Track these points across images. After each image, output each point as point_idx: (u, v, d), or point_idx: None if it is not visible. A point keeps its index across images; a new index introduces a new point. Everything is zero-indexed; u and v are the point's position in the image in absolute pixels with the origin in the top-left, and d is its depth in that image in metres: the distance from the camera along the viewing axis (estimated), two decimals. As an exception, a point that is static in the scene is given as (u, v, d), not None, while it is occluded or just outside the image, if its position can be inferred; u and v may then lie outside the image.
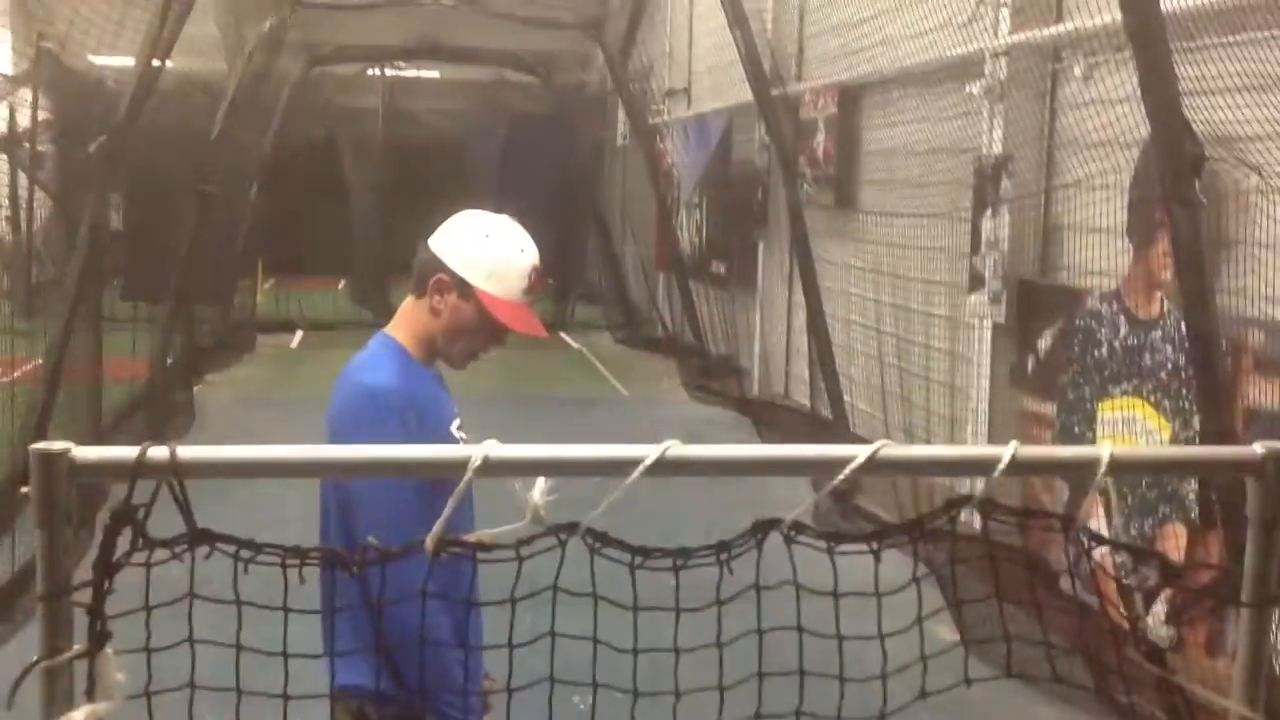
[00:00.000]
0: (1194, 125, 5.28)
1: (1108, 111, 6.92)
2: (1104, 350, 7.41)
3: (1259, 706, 1.78)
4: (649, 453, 1.64)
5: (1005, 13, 8.48)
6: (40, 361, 9.47)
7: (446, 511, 1.64)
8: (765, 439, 11.92)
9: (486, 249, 3.14)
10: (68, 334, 8.80)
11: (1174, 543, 6.43)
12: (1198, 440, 6.07)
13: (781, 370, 13.82)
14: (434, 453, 1.78)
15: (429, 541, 1.67)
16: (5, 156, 17.78)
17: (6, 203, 19.59)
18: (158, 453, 1.55)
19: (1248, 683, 1.78)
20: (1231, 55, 5.47)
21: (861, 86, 11.23)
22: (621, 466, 1.65)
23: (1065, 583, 5.12)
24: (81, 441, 1.59)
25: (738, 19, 11.52)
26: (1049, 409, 8.02)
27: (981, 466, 1.69)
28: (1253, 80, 5.47)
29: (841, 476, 1.70)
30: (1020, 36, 8.28)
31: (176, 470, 1.55)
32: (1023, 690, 6.50)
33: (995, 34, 8.57)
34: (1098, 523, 7.26)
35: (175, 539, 1.59)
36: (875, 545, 1.74)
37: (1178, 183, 5.07)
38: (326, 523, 3.05)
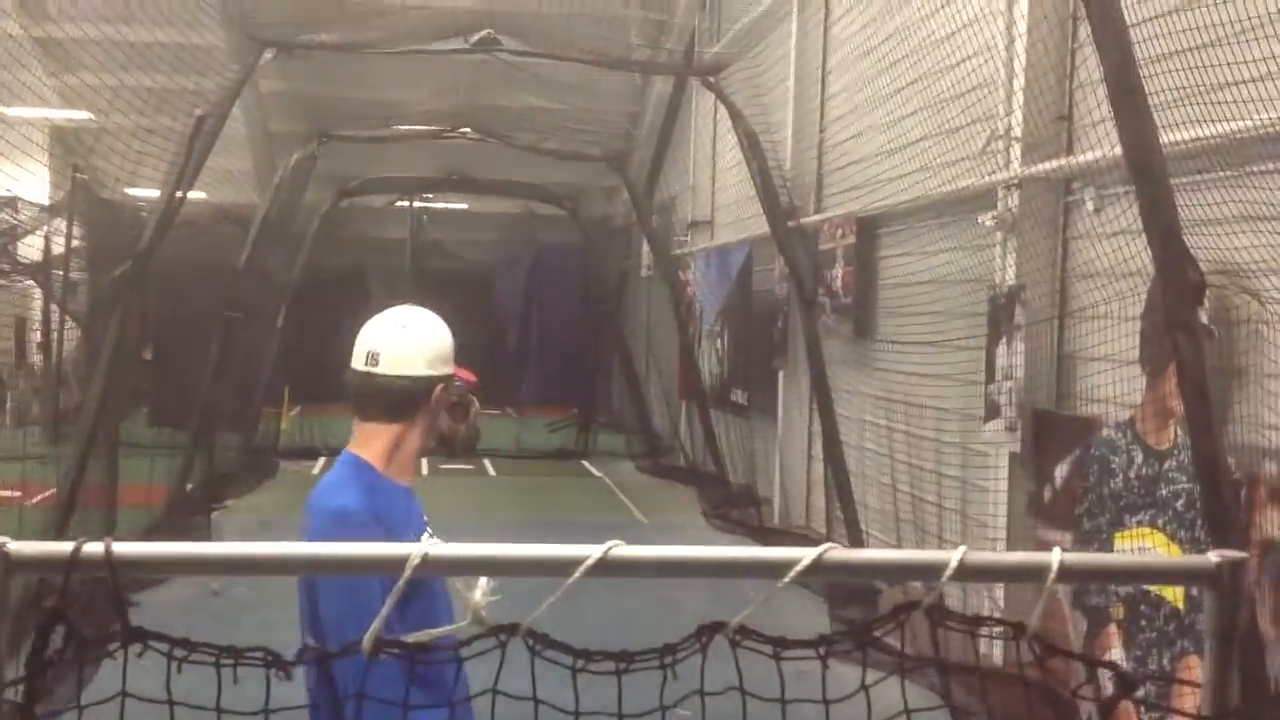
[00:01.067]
0: (1195, 254, 5.30)
1: (1118, 242, 6.96)
2: (1119, 480, 7.34)
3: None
4: (591, 552, 1.62)
5: (1016, 146, 8.58)
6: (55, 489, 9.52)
7: (384, 610, 1.63)
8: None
9: (441, 339, 3.41)
10: (85, 458, 8.84)
11: (1190, 675, 6.29)
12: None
13: (802, 499, 13.74)
14: (373, 551, 1.77)
15: (365, 642, 1.65)
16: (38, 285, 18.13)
17: (39, 330, 19.92)
18: (93, 548, 1.55)
19: (1210, 799, 1.73)
20: (1234, 187, 5.51)
21: (879, 218, 11.34)
22: (564, 566, 1.63)
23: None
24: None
25: (754, 152, 11.69)
26: (1066, 539, 7.92)
27: (929, 571, 1.67)
28: (1254, 210, 5.51)
29: (788, 579, 1.68)
30: (1031, 169, 8.36)
31: (111, 565, 1.55)
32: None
33: (1007, 166, 8.66)
34: (1119, 653, 7.13)
35: (107, 636, 1.58)
36: (822, 651, 1.71)
37: (1180, 309, 5.07)
38: (303, 629, 3.14)
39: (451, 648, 1.70)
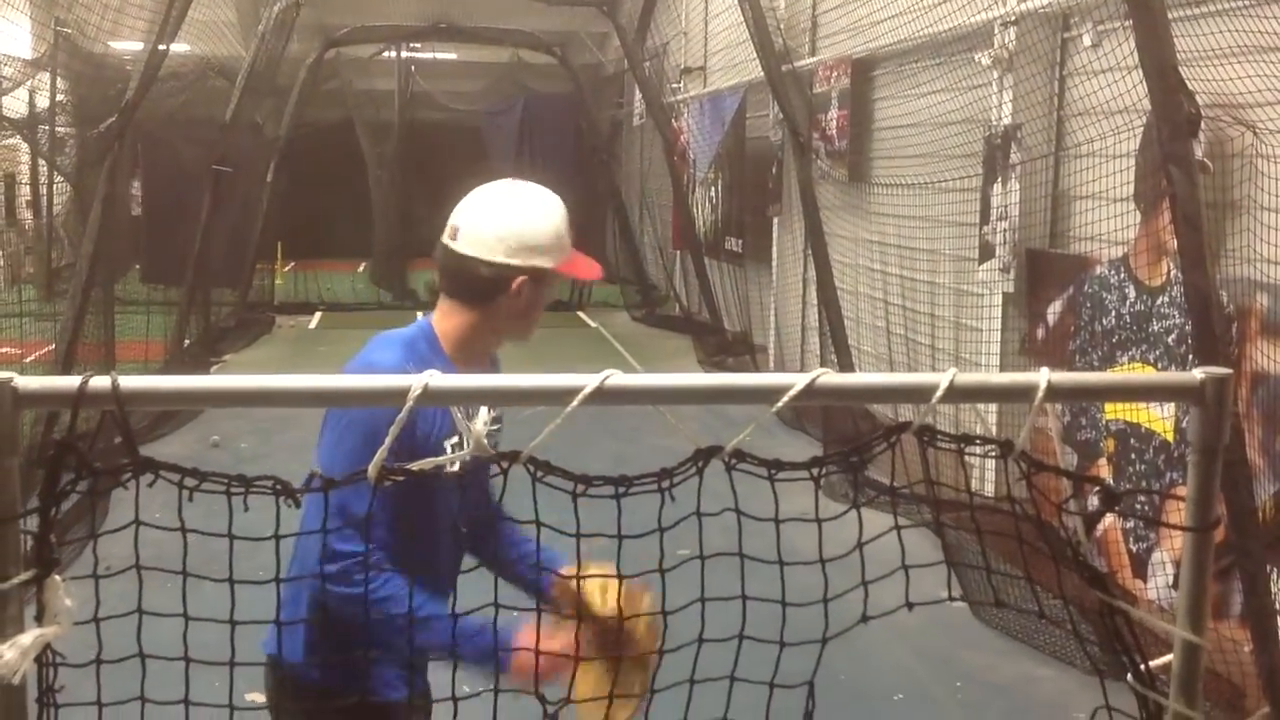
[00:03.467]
0: (1192, 87, 5.25)
1: (1116, 79, 6.89)
2: (1111, 317, 7.39)
3: (1202, 631, 1.78)
4: (588, 381, 1.65)
5: (1014, -19, 8.44)
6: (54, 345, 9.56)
7: (388, 441, 1.66)
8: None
9: (538, 230, 3.00)
10: (80, 316, 8.86)
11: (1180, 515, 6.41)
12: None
13: (797, 345, 13.82)
14: (375, 383, 1.80)
15: (371, 470, 1.69)
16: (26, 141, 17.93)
17: (27, 187, 19.77)
18: (99, 382, 1.58)
19: (1191, 608, 1.79)
20: (1228, 26, 5.45)
21: (873, 60, 11.20)
22: (561, 395, 1.66)
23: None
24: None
25: (746, -6, 11.49)
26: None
27: (919, 393, 1.70)
28: (1252, 40, 5.45)
29: (781, 404, 1.71)
30: (1029, 5, 8.24)
31: (119, 399, 1.58)
32: (1026, 653, 6.58)
33: (1004, 3, 8.53)
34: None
35: (119, 467, 1.62)
36: (817, 472, 1.75)
37: (1175, 143, 5.04)
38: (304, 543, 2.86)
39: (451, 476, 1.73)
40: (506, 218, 2.98)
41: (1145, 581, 6.92)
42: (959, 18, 8.94)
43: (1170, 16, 5.23)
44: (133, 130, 10.62)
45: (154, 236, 17.10)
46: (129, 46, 12.72)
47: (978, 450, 1.75)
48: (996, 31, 8.60)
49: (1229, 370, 1.73)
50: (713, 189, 16.63)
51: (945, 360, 9.53)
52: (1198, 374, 1.73)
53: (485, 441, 1.68)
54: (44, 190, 18.56)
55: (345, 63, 20.36)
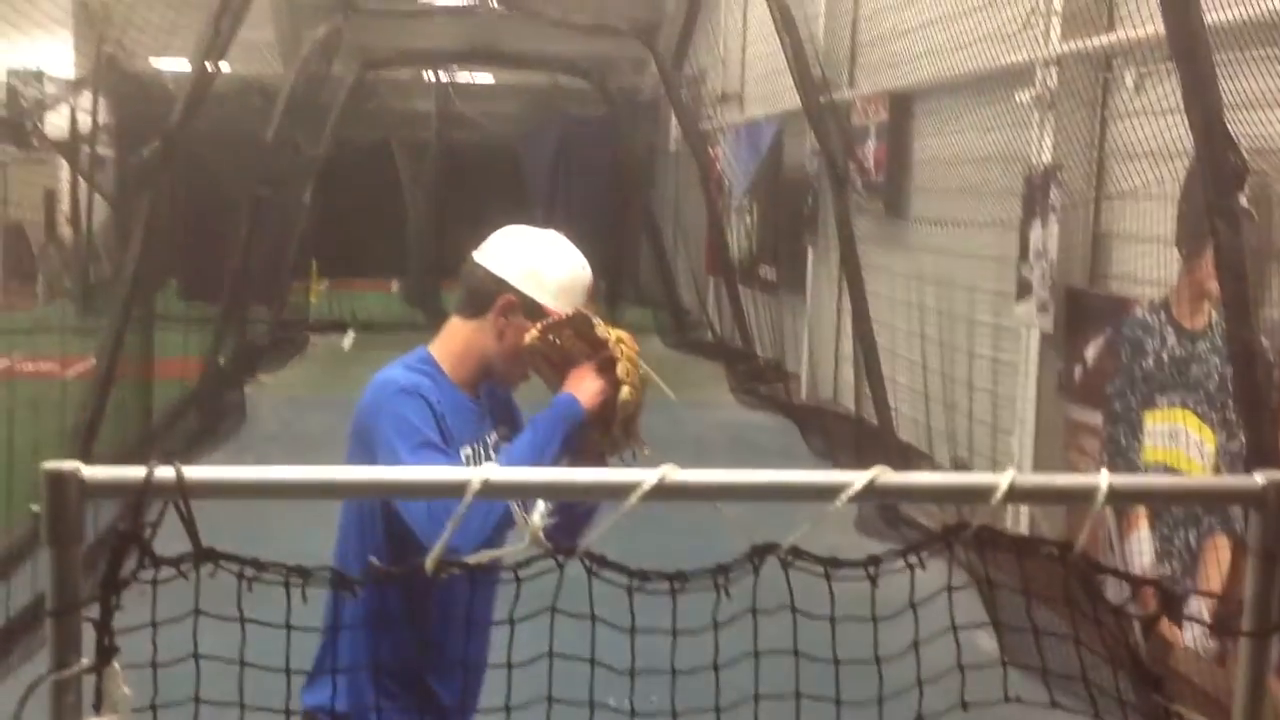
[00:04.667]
0: (1238, 139, 5.23)
1: (1158, 121, 6.86)
2: (1151, 361, 7.35)
3: (1260, 738, 1.77)
4: (646, 477, 1.66)
5: (1056, 21, 8.42)
6: (94, 360, 9.62)
7: (445, 534, 1.67)
8: (810, 444, 11.90)
9: (553, 267, 3.04)
10: (121, 333, 8.93)
11: (1215, 555, 6.37)
12: (1244, 452, 6.01)
13: (830, 376, 13.79)
14: (437, 475, 1.81)
15: (429, 563, 1.70)
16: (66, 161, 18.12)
17: (67, 205, 19.96)
18: (164, 473, 1.59)
19: (1247, 711, 1.77)
20: (1273, 70, 5.42)
21: (913, 94, 11.18)
22: (618, 490, 1.66)
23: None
24: (129, 440, 1.63)
25: (786, 25, 11.50)
26: (1095, 419, 7.96)
27: (978, 494, 1.70)
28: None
29: (838, 503, 1.71)
30: (1071, 45, 8.22)
31: (183, 490, 1.59)
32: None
33: (1046, 43, 8.51)
34: (1146, 531, 7.21)
35: (181, 557, 1.63)
36: (872, 571, 1.75)
37: (1221, 195, 5.02)
38: (344, 544, 2.96)
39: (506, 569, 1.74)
40: (532, 247, 3.07)
41: (1180, 629, 6.86)
42: (1001, 55, 8.93)
43: (1215, 59, 5.21)
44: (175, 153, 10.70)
45: (192, 253, 17.24)
46: (171, 65, 12.84)
47: (1035, 553, 1.74)
48: (1038, 70, 8.58)
49: (1290, 475, 1.72)
50: (748, 216, 16.63)
51: (981, 397, 9.48)
52: (1259, 478, 1.72)
53: (541, 535, 1.69)
54: (84, 208, 18.72)
55: (384, 84, 20.49)
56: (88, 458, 7.51)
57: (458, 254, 3.31)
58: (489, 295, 3.01)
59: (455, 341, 3.06)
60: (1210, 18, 5.31)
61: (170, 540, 1.66)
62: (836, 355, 13.50)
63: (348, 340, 19.30)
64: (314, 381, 15.71)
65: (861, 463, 7.22)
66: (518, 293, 3.00)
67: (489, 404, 3.16)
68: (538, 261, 3.03)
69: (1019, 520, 8.33)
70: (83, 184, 18.19)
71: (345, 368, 16.86)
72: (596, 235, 23.68)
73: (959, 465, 9.56)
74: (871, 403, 10.69)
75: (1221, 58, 5.43)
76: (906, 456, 10.14)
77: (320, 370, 16.77)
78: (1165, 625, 6.94)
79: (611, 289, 21.28)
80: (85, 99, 16.07)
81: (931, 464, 10.05)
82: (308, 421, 12.78)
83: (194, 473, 1.61)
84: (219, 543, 1.66)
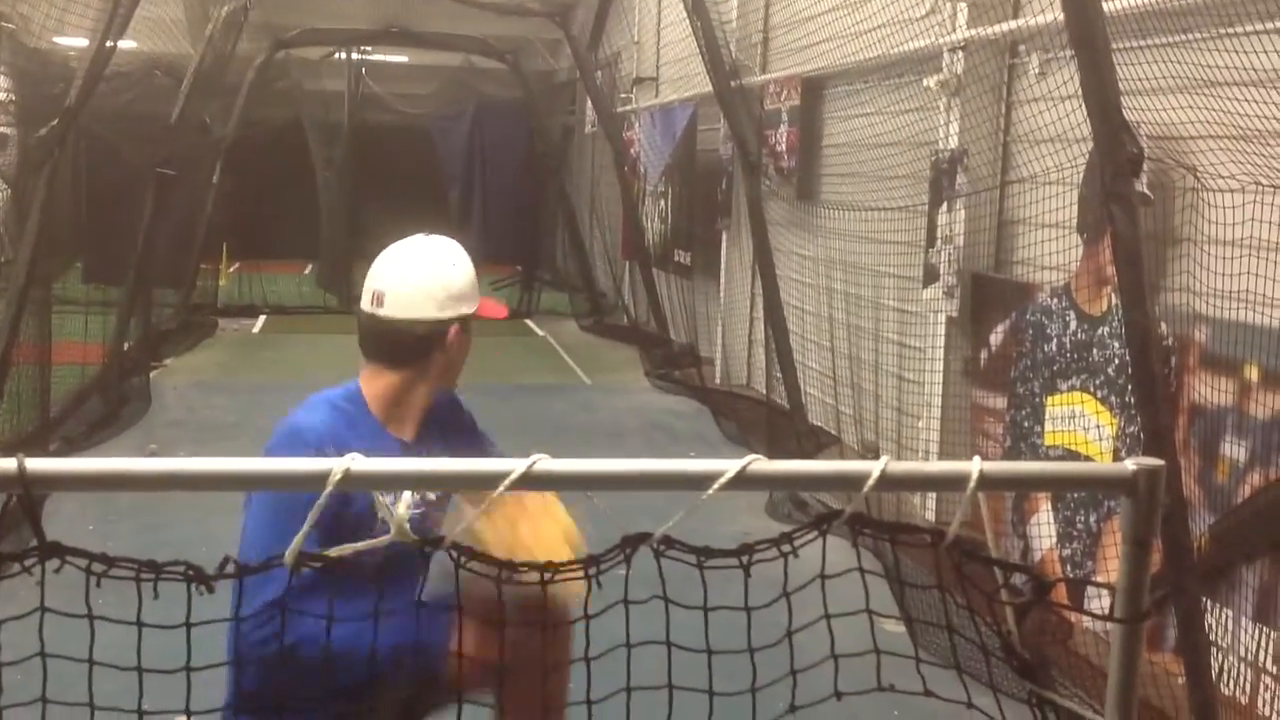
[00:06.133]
0: (1137, 125, 5.29)
1: (1061, 107, 6.93)
2: (1053, 345, 7.44)
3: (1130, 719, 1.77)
4: (516, 466, 1.62)
5: (963, 7, 8.48)
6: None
7: (305, 528, 1.62)
8: (723, 428, 11.94)
9: (454, 274, 3.05)
10: (17, 318, 8.69)
11: (1114, 537, 6.47)
12: (1141, 435, 6.10)
13: (744, 360, 13.84)
14: (293, 466, 1.76)
15: (287, 556, 1.65)
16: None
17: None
18: (6, 464, 1.52)
19: (1119, 697, 1.78)
20: (1173, 57, 5.49)
21: (824, 78, 11.23)
22: (486, 480, 1.63)
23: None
24: (24, 428, 1.56)
25: (697, 8, 11.49)
26: (1000, 402, 8.06)
27: (851, 482, 1.68)
28: (1192, 82, 5.49)
29: (710, 492, 1.68)
30: (976, 31, 8.29)
31: (25, 482, 1.53)
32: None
33: (953, 28, 8.57)
34: (1047, 514, 7.31)
35: (24, 553, 1.57)
36: (746, 559, 1.73)
37: (1117, 181, 5.07)
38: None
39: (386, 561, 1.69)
40: (430, 274, 3.04)
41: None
42: (909, 40, 8.98)
43: (1115, 46, 5.26)
44: (75, 130, 10.44)
45: (96, 236, 16.88)
46: (74, 43, 12.51)
47: (909, 539, 1.73)
48: (945, 55, 8.64)
49: (1160, 461, 1.72)
50: (662, 201, 16.62)
51: (889, 380, 9.56)
52: (1130, 465, 1.72)
53: (407, 527, 1.65)
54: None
55: (295, 63, 20.18)
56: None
57: (371, 237, 3.29)
58: (430, 341, 3.02)
59: (383, 387, 3.03)
60: (1110, 5, 5.36)
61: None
62: (750, 339, 13.55)
63: (258, 325, 19.02)
64: (222, 365, 15.47)
65: (773, 447, 7.29)
66: (454, 320, 3.04)
67: (436, 414, 3.13)
68: (450, 284, 3.05)
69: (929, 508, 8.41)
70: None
71: (255, 351, 16.63)
72: (512, 218, 23.61)
73: (868, 449, 9.64)
74: (783, 387, 10.75)
75: (1122, 45, 5.49)
76: (817, 440, 10.20)
77: (228, 353, 16.51)
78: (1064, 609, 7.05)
79: (528, 272, 21.20)
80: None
81: (841, 448, 10.12)
82: (214, 405, 12.59)
83: (36, 464, 1.55)
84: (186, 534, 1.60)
